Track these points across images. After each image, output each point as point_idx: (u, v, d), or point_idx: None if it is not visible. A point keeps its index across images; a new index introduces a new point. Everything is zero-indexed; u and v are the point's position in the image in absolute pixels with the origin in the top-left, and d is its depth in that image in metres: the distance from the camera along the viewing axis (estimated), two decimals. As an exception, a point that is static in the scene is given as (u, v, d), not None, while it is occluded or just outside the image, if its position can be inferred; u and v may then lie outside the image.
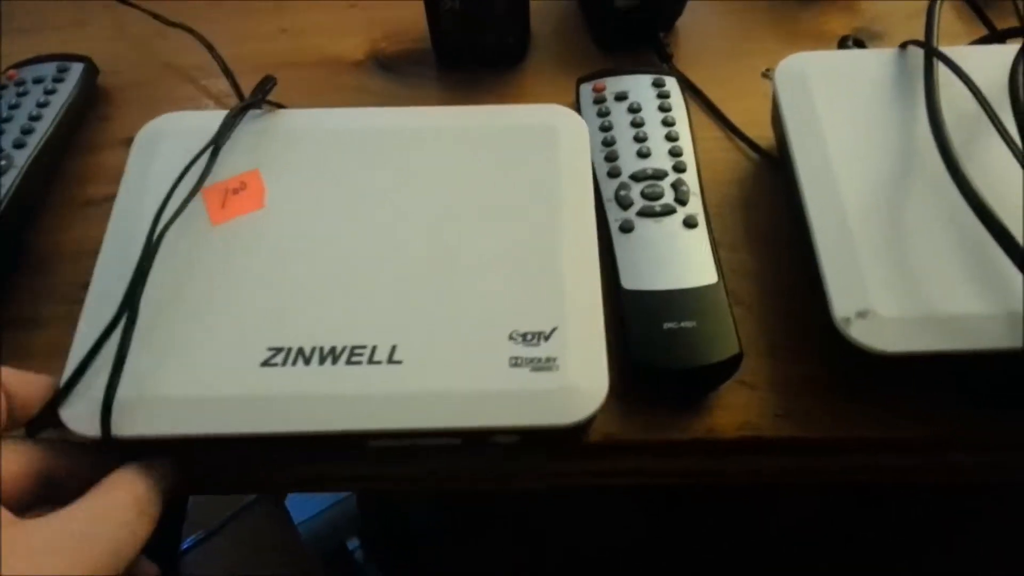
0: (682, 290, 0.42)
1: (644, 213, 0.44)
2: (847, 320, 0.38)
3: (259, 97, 0.48)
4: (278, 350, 0.38)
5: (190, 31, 0.59)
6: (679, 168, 0.46)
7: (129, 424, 0.37)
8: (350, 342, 0.38)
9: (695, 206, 0.45)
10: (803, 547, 0.65)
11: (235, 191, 0.44)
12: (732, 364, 0.40)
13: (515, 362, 0.38)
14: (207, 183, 0.44)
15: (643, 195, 0.45)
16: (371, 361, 0.38)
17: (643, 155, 0.47)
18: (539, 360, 0.38)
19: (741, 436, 0.41)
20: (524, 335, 0.38)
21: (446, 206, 0.43)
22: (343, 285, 0.41)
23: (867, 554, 0.64)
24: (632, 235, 0.44)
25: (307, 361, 0.38)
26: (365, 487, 0.65)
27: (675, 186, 0.45)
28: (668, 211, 0.44)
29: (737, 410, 0.41)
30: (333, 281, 0.41)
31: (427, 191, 0.44)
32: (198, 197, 0.43)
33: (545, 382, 0.37)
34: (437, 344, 0.38)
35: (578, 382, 0.37)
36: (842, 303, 0.38)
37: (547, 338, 0.38)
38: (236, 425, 0.37)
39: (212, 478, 0.43)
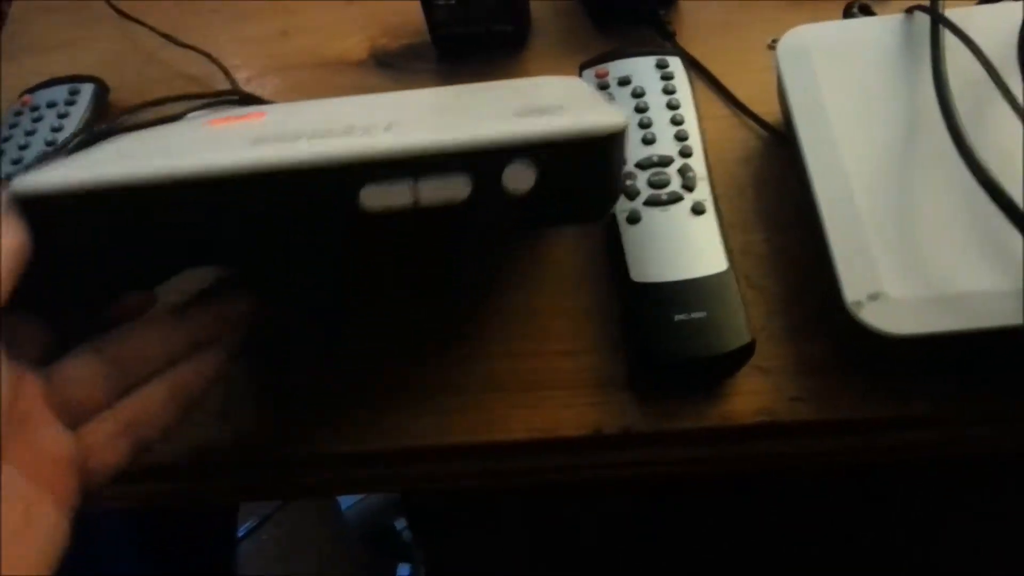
0: (691, 280, 0.41)
1: (651, 202, 0.44)
2: (858, 304, 0.37)
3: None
4: (267, 137, 0.33)
5: (205, 54, 0.58)
6: (685, 153, 0.45)
7: None
8: (345, 124, 0.34)
9: (703, 191, 0.44)
10: (801, 546, 0.65)
11: (238, 118, 0.41)
12: (744, 353, 0.40)
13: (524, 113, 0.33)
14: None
15: (649, 183, 0.44)
16: (367, 131, 0.32)
17: (648, 141, 0.46)
18: (551, 108, 0.33)
19: (758, 422, 0.40)
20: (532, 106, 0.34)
21: None
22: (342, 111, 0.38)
23: (867, 553, 0.64)
24: (639, 226, 0.43)
25: (295, 140, 0.32)
26: (399, 488, 0.66)
27: (682, 172, 0.44)
28: (675, 199, 0.44)
29: (753, 396, 0.41)
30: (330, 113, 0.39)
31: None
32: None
33: (562, 119, 0.32)
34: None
35: (594, 114, 0.32)
36: (853, 287, 0.38)
37: (555, 106, 0.34)
38: (208, 173, 0.30)
39: (251, 490, 0.44)
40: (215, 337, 0.36)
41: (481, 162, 0.31)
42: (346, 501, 0.95)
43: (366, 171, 0.31)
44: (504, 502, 0.69)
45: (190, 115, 0.43)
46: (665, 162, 0.45)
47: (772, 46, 0.52)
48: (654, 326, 0.40)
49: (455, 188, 0.31)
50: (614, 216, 0.44)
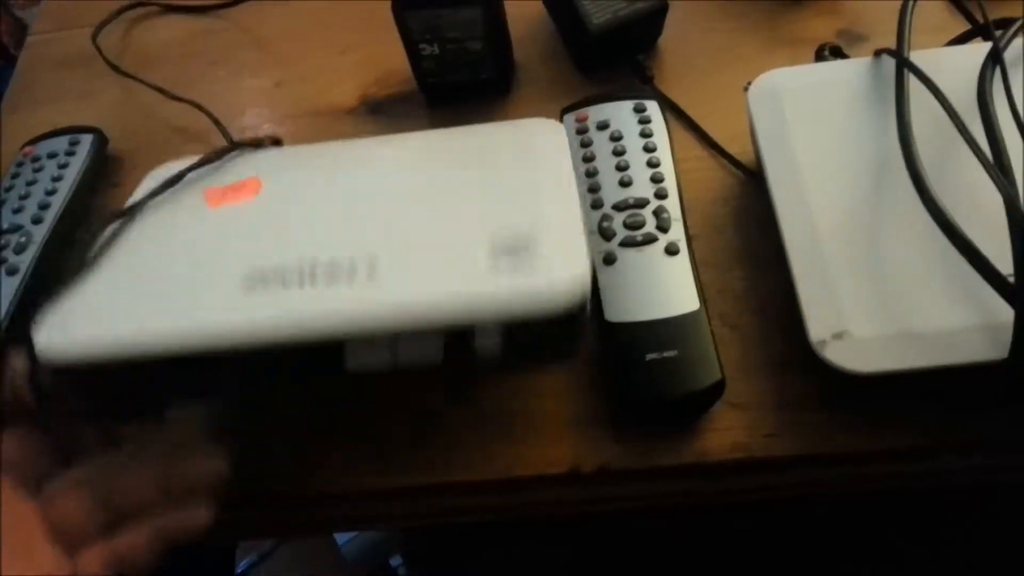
0: (664, 320, 0.41)
1: (626, 243, 0.44)
2: (823, 343, 0.38)
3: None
4: (257, 276, 0.36)
5: (198, 107, 0.59)
6: (660, 195, 0.46)
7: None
8: (329, 257, 0.36)
9: (676, 232, 0.45)
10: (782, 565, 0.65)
11: (234, 190, 0.43)
12: (715, 390, 0.40)
13: (495, 263, 0.35)
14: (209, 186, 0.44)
15: (625, 225, 0.45)
16: (351, 276, 0.36)
17: (625, 184, 0.47)
18: (518, 255, 0.36)
19: (732, 458, 0.41)
20: (503, 237, 0.36)
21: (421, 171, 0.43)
22: (324, 214, 0.40)
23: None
24: (615, 267, 0.44)
25: (285, 284, 0.36)
26: (380, 526, 0.67)
27: (656, 213, 0.45)
28: (650, 240, 0.44)
29: (728, 432, 0.41)
30: (313, 214, 0.40)
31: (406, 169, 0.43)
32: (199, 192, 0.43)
33: (525, 276, 0.35)
34: (416, 253, 0.37)
35: (559, 273, 0.35)
36: (817, 326, 0.38)
37: (525, 236, 0.36)
38: (214, 342, 0.35)
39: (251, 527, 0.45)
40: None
41: (450, 334, 0.36)
42: (343, 537, 0.95)
43: (348, 340, 0.36)
44: (497, 541, 0.69)
45: (188, 177, 0.44)
46: (641, 204, 0.46)
47: (747, 88, 0.53)
48: (627, 365, 0.41)
49: (430, 353, 0.36)
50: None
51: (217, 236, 0.40)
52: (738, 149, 0.52)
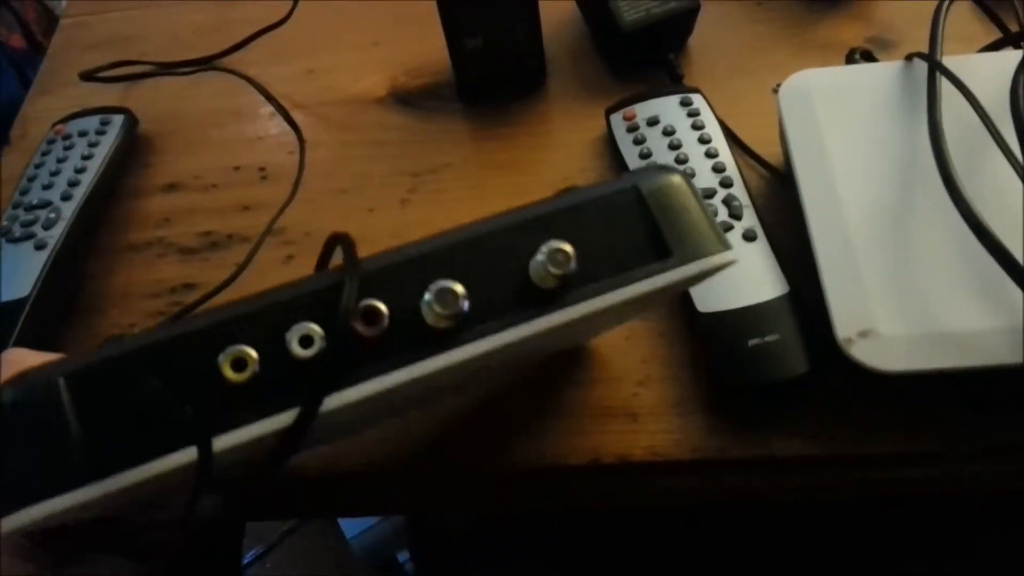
0: (757, 305, 0.40)
1: None
2: (849, 340, 0.36)
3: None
4: None
5: (245, 78, 0.59)
6: (725, 183, 0.45)
7: None
8: None
9: (750, 218, 0.43)
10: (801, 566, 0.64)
11: None
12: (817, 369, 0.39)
13: None
14: None
15: None
16: None
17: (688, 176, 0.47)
18: None
19: (749, 455, 0.39)
20: None
21: None
22: None
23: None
24: None
25: None
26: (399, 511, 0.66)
27: (726, 202, 0.44)
28: (726, 228, 0.43)
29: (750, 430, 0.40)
30: None
31: None
32: None
33: None
34: None
35: None
36: (844, 323, 0.36)
37: None
38: None
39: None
40: None
41: None
42: (351, 530, 0.94)
43: None
44: (507, 536, 0.69)
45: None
46: (708, 194, 0.44)
47: (776, 90, 0.53)
48: (730, 353, 0.39)
49: None
50: None
51: None
52: (764, 150, 0.51)
